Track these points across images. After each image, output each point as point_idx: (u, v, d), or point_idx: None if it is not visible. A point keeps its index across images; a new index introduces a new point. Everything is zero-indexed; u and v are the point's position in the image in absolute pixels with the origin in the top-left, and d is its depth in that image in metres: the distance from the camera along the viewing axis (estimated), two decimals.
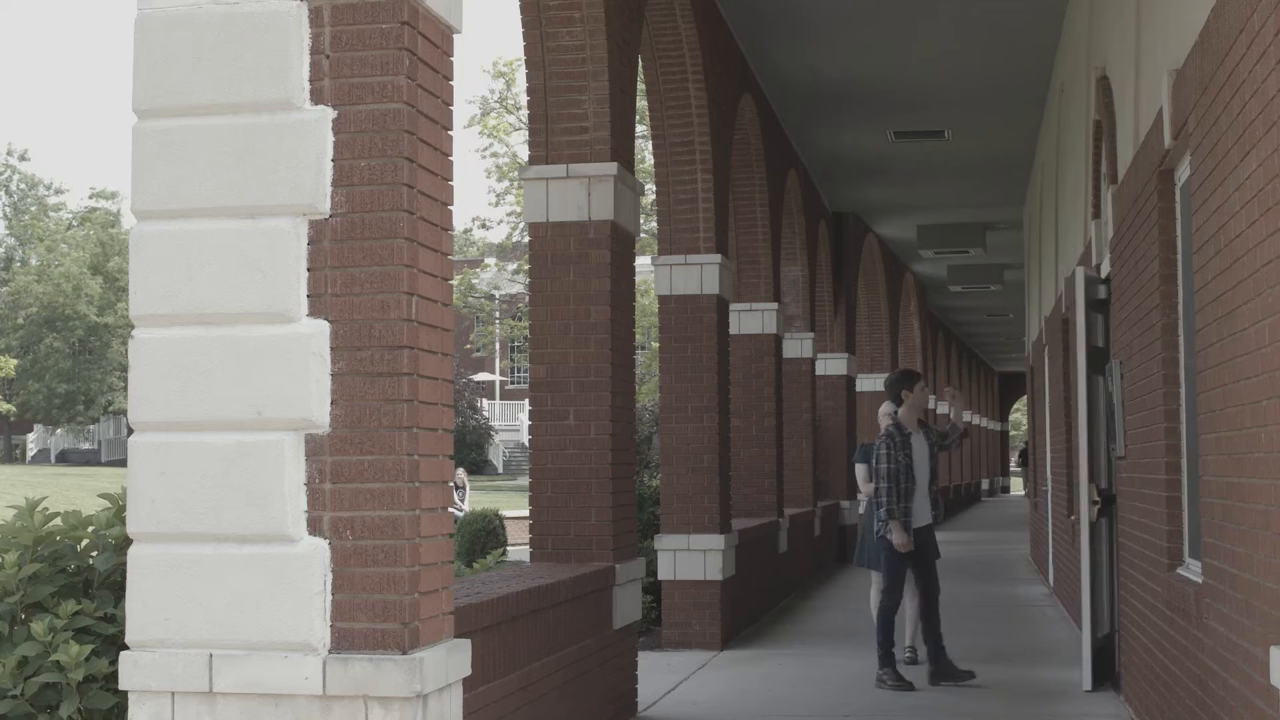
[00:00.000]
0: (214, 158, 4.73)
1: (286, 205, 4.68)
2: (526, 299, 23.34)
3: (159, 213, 4.77)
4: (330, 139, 4.68)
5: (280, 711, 4.57)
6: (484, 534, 19.88)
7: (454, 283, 5.25)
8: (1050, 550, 16.34)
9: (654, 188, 13.99)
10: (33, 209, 70.81)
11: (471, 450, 55.02)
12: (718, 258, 11.65)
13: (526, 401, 25.42)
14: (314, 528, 4.63)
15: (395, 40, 4.67)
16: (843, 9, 11.86)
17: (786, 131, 16.01)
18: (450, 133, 5.02)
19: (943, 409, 32.47)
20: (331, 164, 4.68)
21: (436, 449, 4.83)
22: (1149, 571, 7.48)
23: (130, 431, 4.80)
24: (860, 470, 10.96)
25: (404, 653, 4.55)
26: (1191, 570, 6.54)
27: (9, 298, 64.00)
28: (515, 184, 36.44)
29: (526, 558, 10.46)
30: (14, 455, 64.40)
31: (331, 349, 4.66)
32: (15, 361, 58.07)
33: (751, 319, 14.86)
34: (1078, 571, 12.29)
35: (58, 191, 73.99)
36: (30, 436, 65.08)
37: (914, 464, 9.72)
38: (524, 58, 8.74)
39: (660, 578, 11.71)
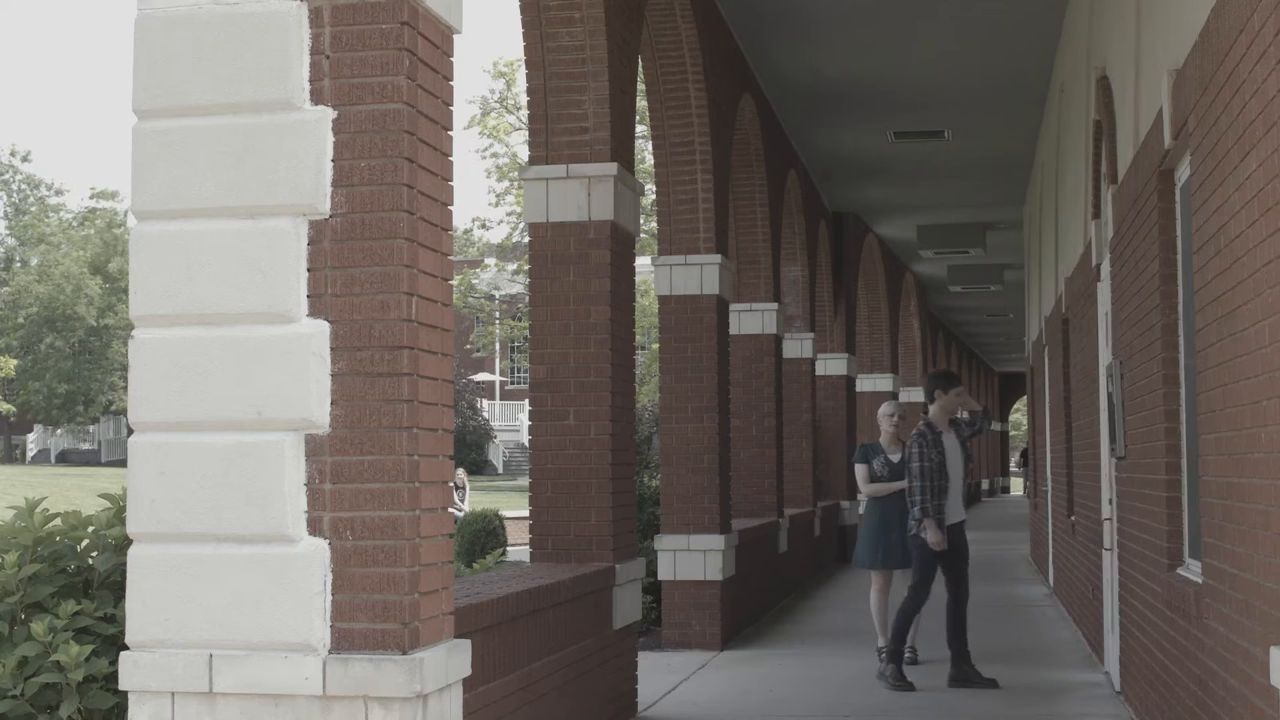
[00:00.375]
0: (214, 158, 4.73)
1: (286, 205, 4.68)
2: (526, 299, 23.35)
3: (159, 213, 4.77)
4: (330, 139, 4.68)
5: (280, 711, 4.57)
6: (484, 534, 19.89)
7: (454, 283, 5.25)
8: (1050, 550, 16.34)
9: (654, 188, 14.00)
10: (33, 209, 70.81)
11: (471, 450, 55.01)
12: (718, 258, 11.65)
13: (526, 401, 25.43)
14: (314, 528, 4.63)
15: (395, 40, 4.67)
16: (843, 9, 11.86)
17: (786, 131, 16.01)
18: (450, 133, 5.02)
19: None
20: (331, 164, 4.68)
21: (436, 449, 4.83)
22: (1149, 571, 7.48)
23: (130, 431, 4.81)
24: (860, 471, 10.94)
25: (404, 653, 4.55)
26: (1191, 570, 6.54)
27: (9, 298, 63.99)
28: (515, 184, 36.43)
29: (526, 558, 10.46)
30: (14, 455, 64.38)
31: (331, 349, 4.66)
32: (15, 361, 58.04)
33: (751, 319, 14.87)
34: (1078, 572, 12.28)
35: (58, 192, 73.99)
36: (30, 437, 65.07)
37: (946, 462, 9.75)
38: (524, 58, 8.74)
39: (660, 578, 11.71)
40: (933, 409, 9.99)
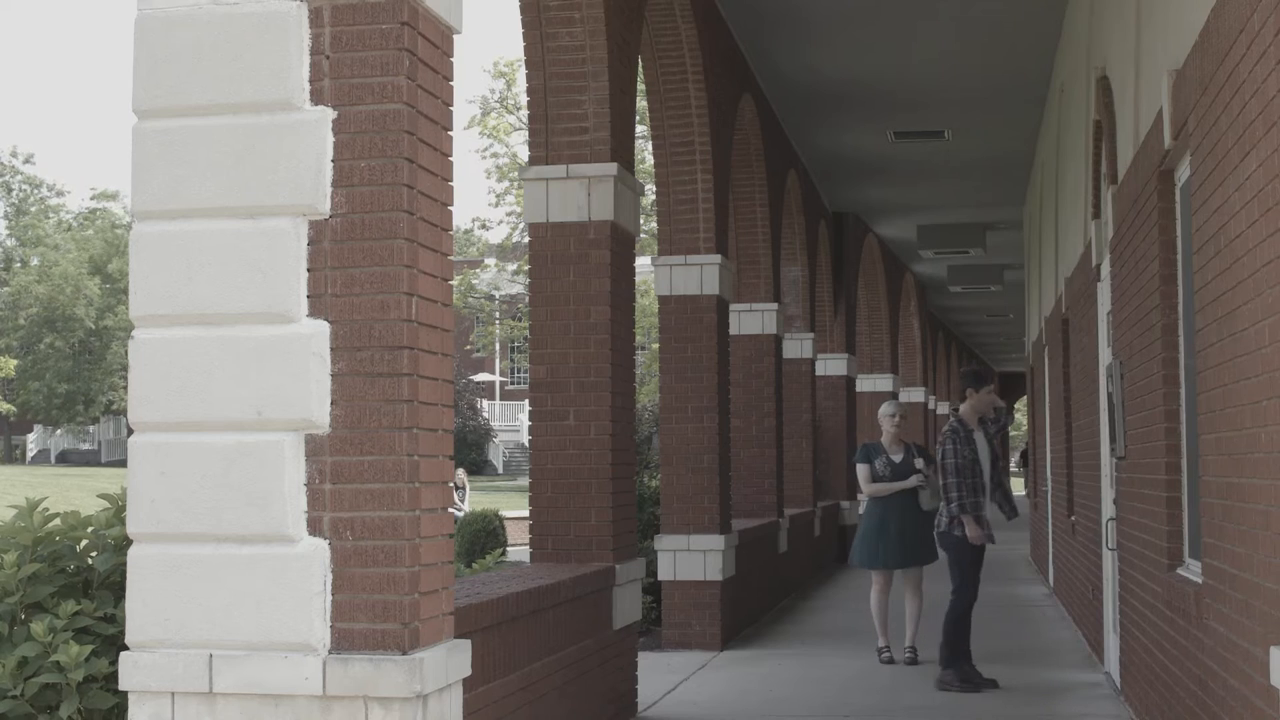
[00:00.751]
0: (214, 158, 4.73)
1: (286, 205, 4.68)
2: (526, 299, 23.35)
3: (159, 213, 4.77)
4: (330, 139, 4.68)
5: (280, 712, 4.57)
6: (484, 534, 19.89)
7: (454, 283, 5.25)
8: (1050, 550, 16.34)
9: (654, 188, 13.99)
10: (33, 210, 70.82)
11: (471, 450, 55.01)
12: (718, 258, 11.65)
13: (526, 401, 25.42)
14: (314, 528, 4.63)
15: (395, 40, 4.67)
16: (843, 9, 11.86)
17: (786, 131, 16.01)
18: (450, 133, 5.02)
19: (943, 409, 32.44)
20: (331, 164, 4.68)
21: (436, 449, 4.83)
22: (1149, 571, 7.48)
23: (130, 431, 4.81)
24: (862, 470, 10.94)
25: (404, 653, 4.55)
26: (1191, 570, 6.54)
27: (9, 298, 63.99)
28: (515, 184, 36.44)
29: (526, 558, 10.46)
30: (14, 455, 64.37)
31: (331, 349, 4.66)
32: (15, 361, 58.05)
33: (751, 319, 14.86)
34: (1078, 572, 12.29)
35: (59, 193, 73.98)
36: (30, 437, 65.05)
37: (978, 459, 9.78)
38: (524, 58, 8.74)
39: (660, 578, 11.71)
40: (963, 407, 10.05)
